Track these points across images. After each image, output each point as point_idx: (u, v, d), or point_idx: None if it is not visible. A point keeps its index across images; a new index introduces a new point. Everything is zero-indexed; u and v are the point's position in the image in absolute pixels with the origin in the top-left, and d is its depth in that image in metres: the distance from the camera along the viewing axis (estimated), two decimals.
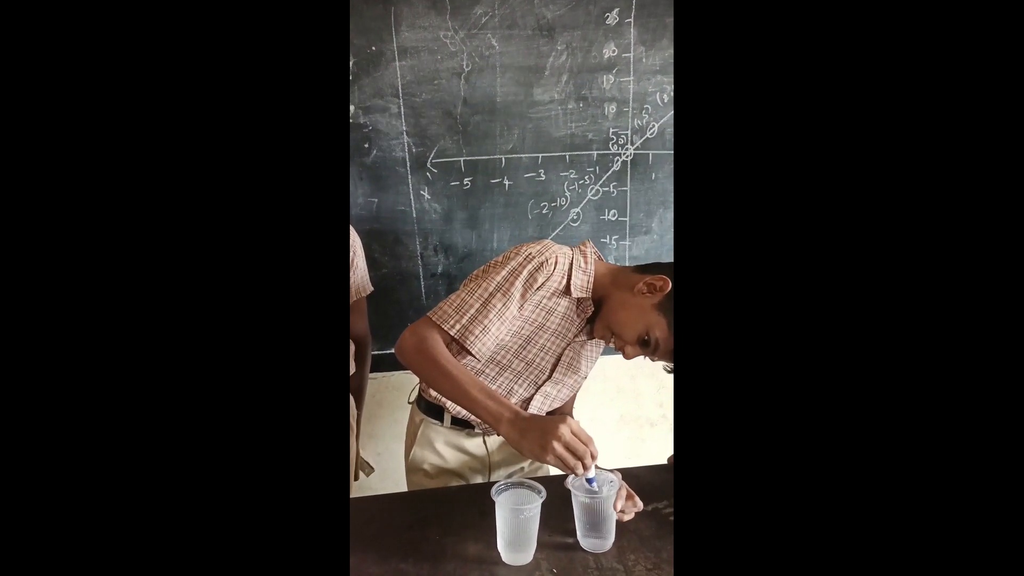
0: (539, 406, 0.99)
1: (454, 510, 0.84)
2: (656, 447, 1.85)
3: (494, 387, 0.94)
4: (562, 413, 1.08)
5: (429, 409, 0.99)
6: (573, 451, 0.70)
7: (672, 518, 0.82)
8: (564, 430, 0.70)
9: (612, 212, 1.51)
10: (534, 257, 0.89)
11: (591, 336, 0.98)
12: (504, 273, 0.88)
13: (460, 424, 0.98)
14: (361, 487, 1.30)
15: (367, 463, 1.23)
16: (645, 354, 0.90)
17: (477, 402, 0.78)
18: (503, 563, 0.72)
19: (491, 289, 0.88)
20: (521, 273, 0.88)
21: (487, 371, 0.94)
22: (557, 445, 0.69)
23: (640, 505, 0.82)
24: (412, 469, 1.03)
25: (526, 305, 0.90)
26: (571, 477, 0.75)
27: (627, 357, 0.91)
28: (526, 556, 0.73)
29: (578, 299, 0.94)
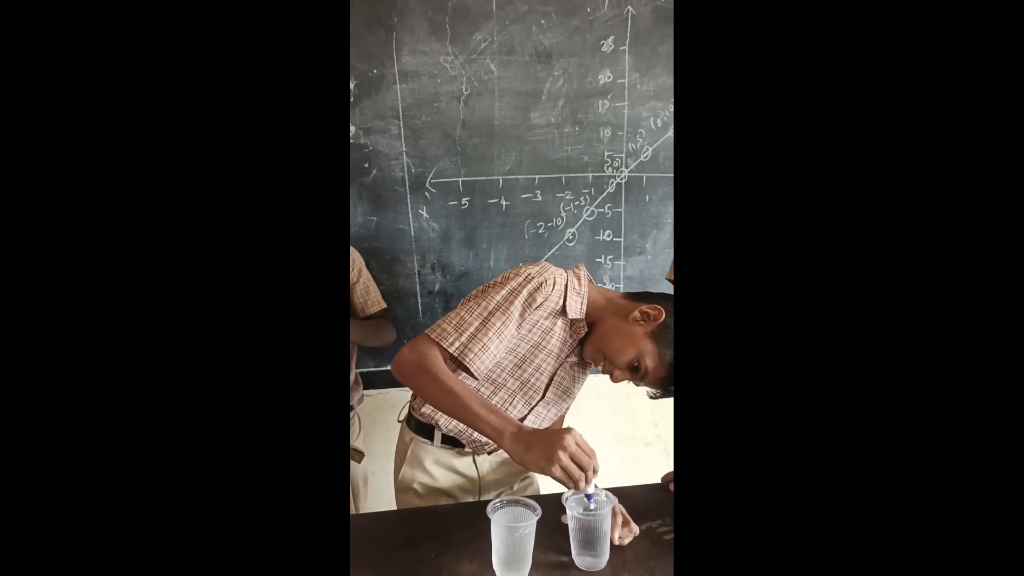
0: (532, 424, 0.99)
1: (448, 528, 0.84)
2: (650, 466, 1.85)
3: None
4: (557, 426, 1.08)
5: (419, 428, 1.00)
6: (578, 463, 0.71)
7: (667, 537, 0.83)
8: (570, 441, 0.71)
9: (607, 232, 1.54)
10: (533, 278, 0.91)
11: (581, 358, 0.99)
12: (504, 292, 0.90)
13: (450, 443, 0.99)
14: (355, 507, 1.30)
15: (358, 450, 1.26)
16: (633, 380, 0.92)
17: (480, 417, 0.78)
18: None
19: (491, 308, 0.89)
20: (520, 293, 0.89)
21: (482, 389, 0.95)
22: (563, 456, 0.70)
23: (636, 530, 0.83)
24: (402, 488, 1.03)
25: (523, 324, 0.91)
26: (568, 492, 0.75)
27: (615, 380, 0.93)
28: (521, 574, 0.73)
29: (572, 320, 0.96)
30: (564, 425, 1.11)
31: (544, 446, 0.72)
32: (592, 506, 0.75)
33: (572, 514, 0.76)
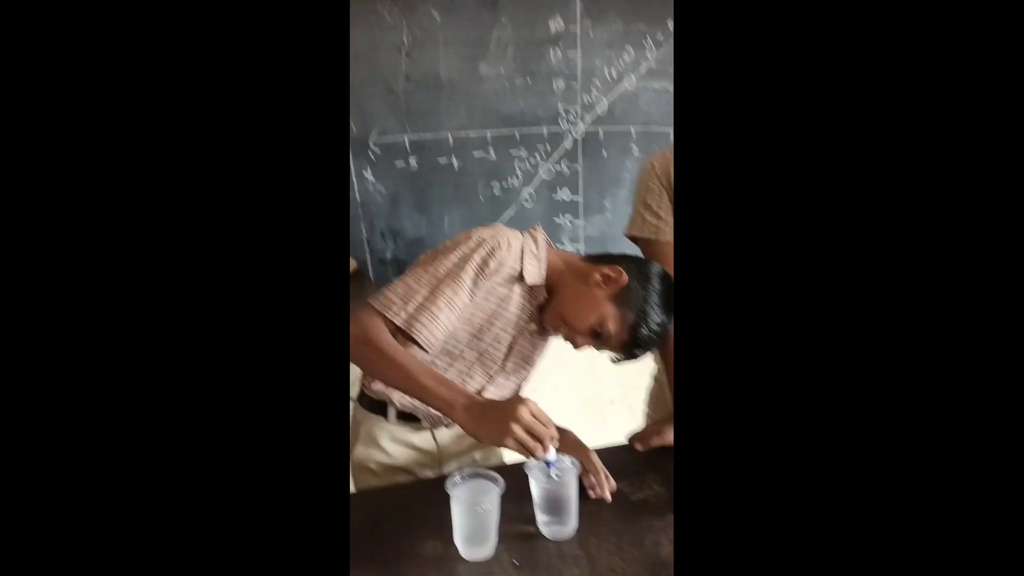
0: (490, 396, 0.95)
1: (407, 508, 0.80)
2: (616, 426, 1.86)
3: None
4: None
5: (372, 406, 0.94)
6: (533, 433, 0.67)
7: (634, 498, 0.81)
8: (523, 412, 0.67)
9: (565, 191, 1.48)
10: (486, 241, 0.85)
11: (541, 325, 0.95)
12: (454, 259, 0.84)
13: (406, 419, 0.94)
14: None
15: None
16: (595, 345, 0.89)
17: (429, 390, 0.73)
18: (462, 559, 0.69)
19: (440, 275, 0.83)
20: (472, 259, 0.83)
21: (438, 363, 0.89)
22: (517, 428, 0.66)
23: (614, 484, 0.81)
24: (357, 469, 0.98)
25: (477, 292, 0.85)
26: (530, 461, 0.72)
27: (577, 347, 0.89)
28: (486, 550, 0.69)
29: (530, 287, 0.91)
30: (529, 389, 1.08)
31: (496, 418, 0.68)
32: (555, 474, 0.72)
33: (536, 483, 0.73)
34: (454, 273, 0.83)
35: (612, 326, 0.84)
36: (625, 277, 0.85)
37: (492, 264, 0.84)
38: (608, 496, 0.79)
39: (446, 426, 0.99)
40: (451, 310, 0.82)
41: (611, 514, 0.77)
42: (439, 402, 0.73)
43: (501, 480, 0.71)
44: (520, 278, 0.89)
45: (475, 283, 0.84)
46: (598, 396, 1.81)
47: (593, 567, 0.67)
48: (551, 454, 0.69)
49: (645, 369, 1.91)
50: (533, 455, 0.68)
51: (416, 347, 0.84)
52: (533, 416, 0.67)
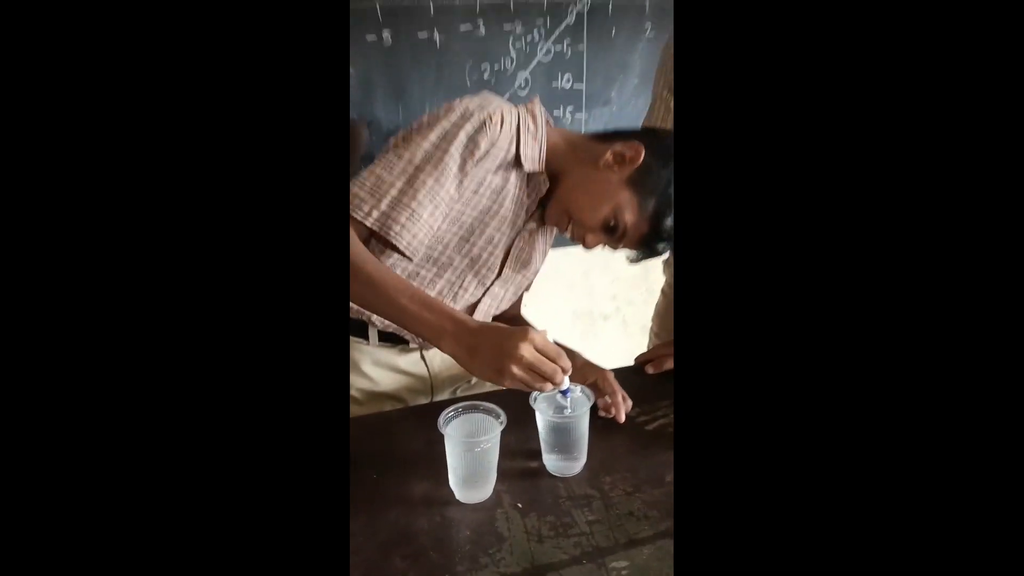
0: (487, 310, 0.82)
1: (393, 441, 0.70)
2: (609, 341, 1.79)
3: (433, 292, 0.76)
4: (511, 315, 0.93)
5: (350, 327, 0.81)
6: (538, 372, 0.55)
7: (649, 428, 0.72)
8: (525, 350, 0.54)
9: (566, 78, 1.27)
10: (474, 114, 0.67)
11: (543, 223, 0.79)
12: (434, 138, 0.66)
13: (390, 339, 0.81)
14: None
15: None
16: (610, 243, 0.73)
17: (409, 313, 0.60)
18: (457, 501, 0.60)
19: (418, 161, 0.66)
20: (457, 136, 0.66)
21: (423, 272, 0.75)
22: (516, 369, 0.55)
23: (630, 404, 0.72)
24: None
25: (466, 181, 0.69)
26: (537, 394, 0.61)
27: (588, 247, 0.74)
28: (484, 492, 0.60)
29: (529, 175, 0.74)
30: (525, 302, 0.96)
31: (493, 354, 0.56)
32: (568, 405, 0.62)
33: (543, 416, 0.63)
34: (436, 157, 0.65)
35: (629, 217, 0.69)
36: (642, 154, 0.69)
37: (483, 144, 0.66)
38: (623, 417, 0.70)
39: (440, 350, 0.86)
40: (435, 205, 0.66)
41: (624, 447, 0.68)
42: (423, 328, 0.60)
43: (502, 414, 0.60)
44: (516, 164, 0.71)
45: (462, 169, 0.67)
46: (591, 310, 1.72)
47: (609, 510, 0.58)
48: (565, 383, 0.59)
49: (641, 282, 1.82)
50: (539, 390, 0.57)
51: (396, 254, 0.70)
52: (538, 351, 0.55)
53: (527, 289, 0.92)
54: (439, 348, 0.60)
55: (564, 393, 0.61)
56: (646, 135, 0.73)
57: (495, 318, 0.91)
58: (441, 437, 0.59)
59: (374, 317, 0.77)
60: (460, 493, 0.60)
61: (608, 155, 0.70)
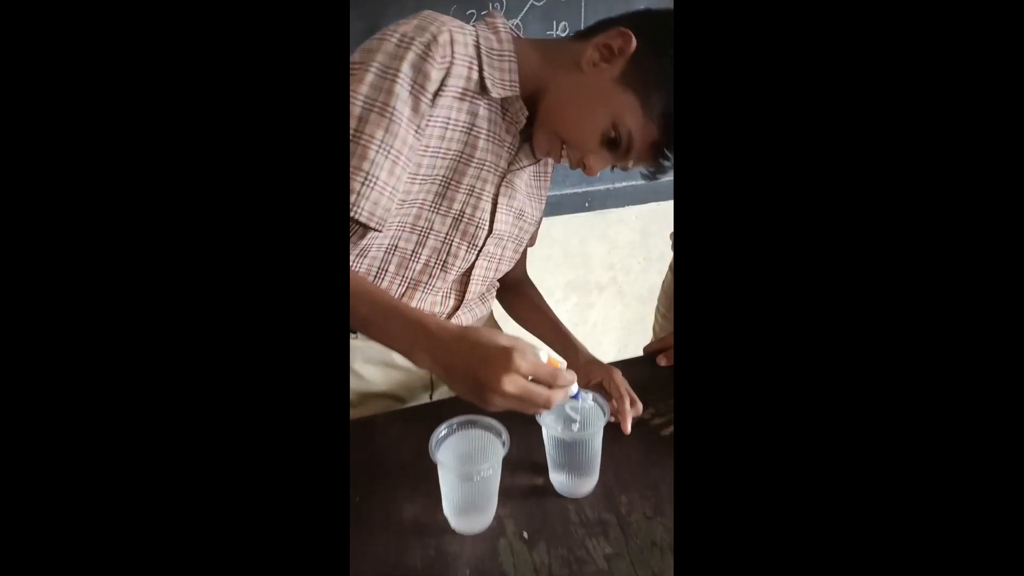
0: (483, 274, 0.71)
1: (377, 451, 0.61)
2: (604, 312, 1.72)
3: (419, 267, 0.66)
4: (516, 278, 0.81)
5: None
6: (528, 402, 0.46)
7: (665, 432, 0.65)
8: (508, 384, 0.44)
9: (562, 26, 1.13)
10: (413, 40, 0.54)
11: (534, 157, 0.67)
12: (371, 79, 0.54)
13: None
14: None
15: None
16: (616, 161, 0.60)
17: (373, 325, 0.51)
18: (453, 530, 0.52)
19: (358, 112, 0.54)
20: (400, 71, 0.54)
21: (404, 245, 0.64)
22: (501, 401, 0.45)
23: (640, 408, 0.64)
24: None
25: (426, 125, 0.57)
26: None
27: (592, 172, 0.61)
28: (484, 521, 0.52)
29: (502, 103, 0.61)
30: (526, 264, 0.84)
31: (470, 380, 0.46)
32: (577, 417, 0.54)
33: (549, 432, 0.55)
34: (379, 102, 0.53)
35: (631, 122, 0.56)
36: (634, 41, 0.56)
37: (432, 73, 0.54)
38: (628, 428, 0.62)
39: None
40: (392, 161, 0.55)
41: (638, 455, 0.61)
42: (390, 341, 0.51)
43: (503, 431, 0.52)
44: (483, 91, 0.59)
45: (415, 109, 0.55)
46: (586, 280, 1.63)
47: (628, 540, 0.51)
48: (574, 387, 0.51)
49: (639, 249, 1.73)
50: (535, 411, 0.48)
51: (369, 231, 0.58)
52: (530, 374, 0.45)
53: (532, 243, 0.81)
54: (411, 360, 0.51)
55: (575, 396, 0.52)
56: (634, 18, 0.59)
57: (501, 282, 0.81)
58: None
59: None
60: (456, 523, 0.52)
61: (591, 51, 0.57)
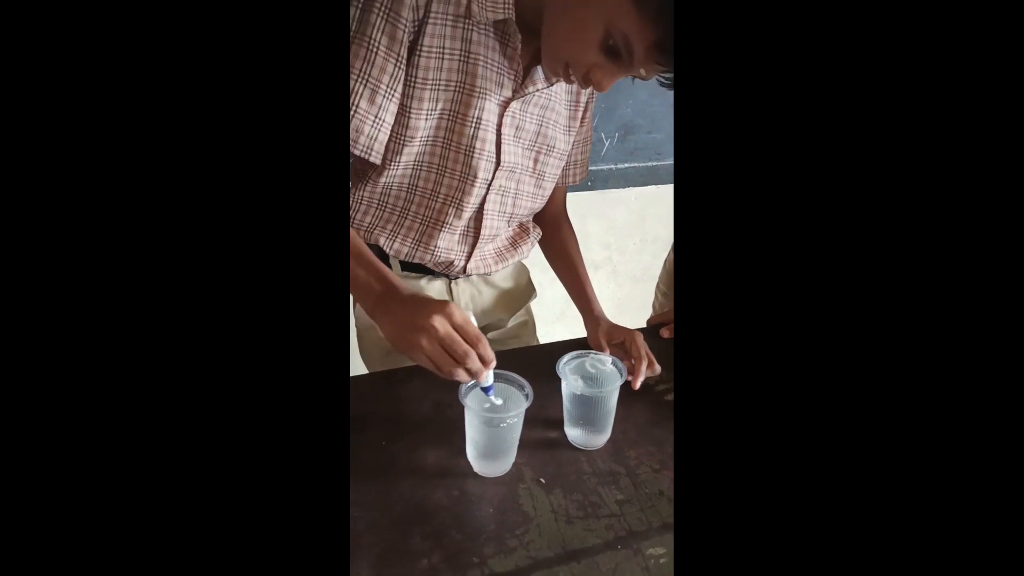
0: (497, 209, 0.70)
1: (404, 399, 0.64)
2: (598, 290, 1.76)
3: (438, 204, 0.67)
4: (554, 214, 0.82)
5: None
6: (451, 351, 0.49)
7: (668, 398, 0.69)
8: (437, 322, 0.49)
9: None
10: None
11: (548, 82, 0.65)
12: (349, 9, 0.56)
13: (410, 268, 0.72)
14: None
15: None
16: (622, 70, 0.55)
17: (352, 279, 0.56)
18: (474, 473, 0.56)
19: None
20: (373, 3, 0.55)
21: (421, 184, 0.66)
22: (426, 342, 0.49)
23: (658, 369, 0.69)
24: (363, 336, 0.79)
25: (412, 55, 0.58)
26: (464, 387, 0.54)
27: (601, 87, 0.56)
28: (504, 466, 0.56)
29: (494, 26, 0.60)
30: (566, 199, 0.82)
31: (405, 323, 0.51)
32: (493, 397, 0.54)
33: (568, 387, 0.58)
34: (357, 33, 0.55)
35: (625, 23, 0.51)
36: None
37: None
38: (637, 384, 0.67)
39: (455, 277, 0.75)
40: (371, 87, 0.56)
41: (645, 417, 0.65)
42: (353, 288, 0.56)
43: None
44: (467, 14, 0.58)
45: (392, 36, 0.56)
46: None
47: (638, 488, 0.56)
48: (487, 378, 0.52)
49: (636, 230, 1.76)
50: (450, 377, 0.51)
51: (385, 172, 0.61)
52: (455, 328, 0.49)
53: (574, 181, 0.80)
54: (368, 314, 0.55)
55: (486, 391, 0.53)
56: None
57: (536, 221, 0.80)
58: (452, 401, 0.54)
59: (381, 240, 0.69)
60: (478, 466, 0.56)
61: None
